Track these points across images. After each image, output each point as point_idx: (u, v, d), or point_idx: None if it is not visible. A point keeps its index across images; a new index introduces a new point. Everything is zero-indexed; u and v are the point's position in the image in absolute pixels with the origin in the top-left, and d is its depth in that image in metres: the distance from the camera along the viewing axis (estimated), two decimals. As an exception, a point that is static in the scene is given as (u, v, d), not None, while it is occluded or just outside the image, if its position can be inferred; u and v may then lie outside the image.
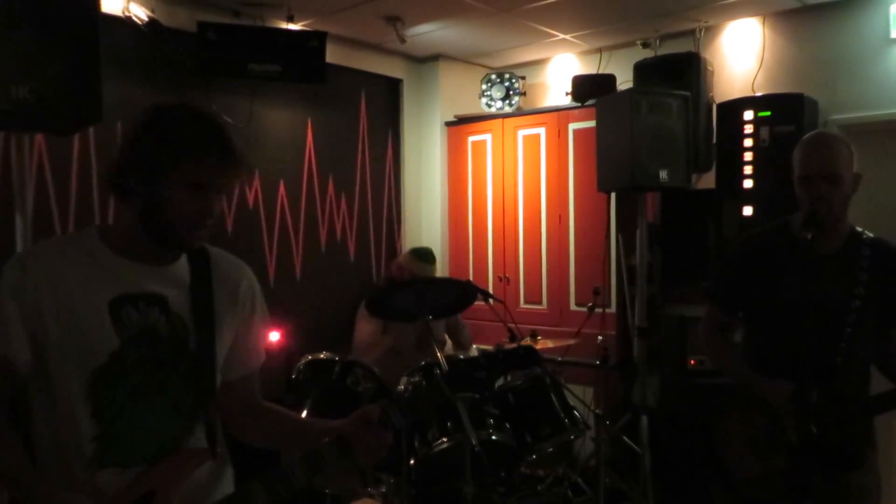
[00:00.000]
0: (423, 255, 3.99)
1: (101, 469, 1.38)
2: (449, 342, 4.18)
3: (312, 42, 3.99)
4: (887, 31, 3.82)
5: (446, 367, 2.75)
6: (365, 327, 3.89)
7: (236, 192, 4.19)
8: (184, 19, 3.83)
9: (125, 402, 1.39)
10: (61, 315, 1.36)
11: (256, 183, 4.30)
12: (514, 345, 3.46)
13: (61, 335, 1.36)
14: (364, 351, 3.83)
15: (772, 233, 2.26)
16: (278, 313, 4.20)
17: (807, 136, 2.23)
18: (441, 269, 5.07)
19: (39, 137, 3.36)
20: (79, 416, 1.37)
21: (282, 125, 4.46)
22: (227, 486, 1.54)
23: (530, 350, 2.07)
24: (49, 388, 1.39)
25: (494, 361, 1.30)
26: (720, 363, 2.31)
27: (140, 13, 3.53)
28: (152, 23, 3.55)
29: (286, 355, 3.84)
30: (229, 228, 4.16)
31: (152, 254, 1.45)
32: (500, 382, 3.18)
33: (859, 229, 2.19)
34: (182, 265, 1.50)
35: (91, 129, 3.45)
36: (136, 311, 1.41)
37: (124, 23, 3.52)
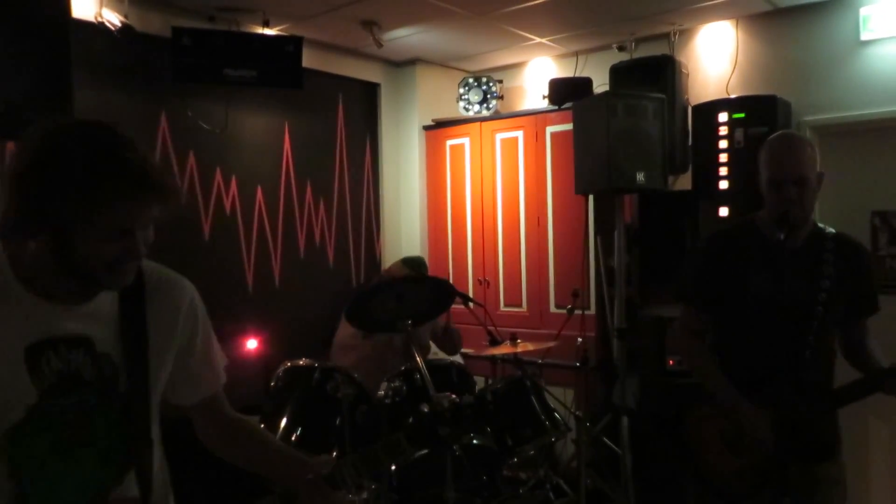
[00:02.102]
0: (414, 265, 3.97)
1: None
2: (433, 347, 4.16)
3: (288, 47, 3.97)
4: (857, 34, 3.88)
5: (428, 378, 2.73)
6: (345, 329, 3.87)
7: (213, 198, 4.16)
8: (158, 25, 3.79)
9: (45, 458, 1.25)
10: None
11: (234, 189, 4.26)
12: (505, 346, 3.44)
13: None
14: (341, 353, 3.81)
15: (738, 230, 2.30)
16: (257, 320, 4.17)
17: (772, 137, 2.26)
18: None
19: (10, 145, 3.31)
20: None
21: (258, 131, 4.44)
22: None
23: (513, 390, 1.98)
24: None
25: (460, 418, 1.25)
26: (696, 370, 2.32)
27: (113, 18, 3.49)
28: (125, 28, 3.51)
29: (265, 362, 3.82)
30: (206, 235, 4.12)
31: (71, 291, 1.27)
32: (479, 386, 3.17)
33: (821, 225, 2.24)
34: (108, 297, 1.32)
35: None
36: (56, 358, 1.25)
37: (97, 28, 3.47)
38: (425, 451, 2.77)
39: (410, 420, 1.49)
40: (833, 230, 2.22)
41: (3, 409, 1.22)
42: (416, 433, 1.45)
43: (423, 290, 3.22)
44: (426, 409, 1.42)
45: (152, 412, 1.38)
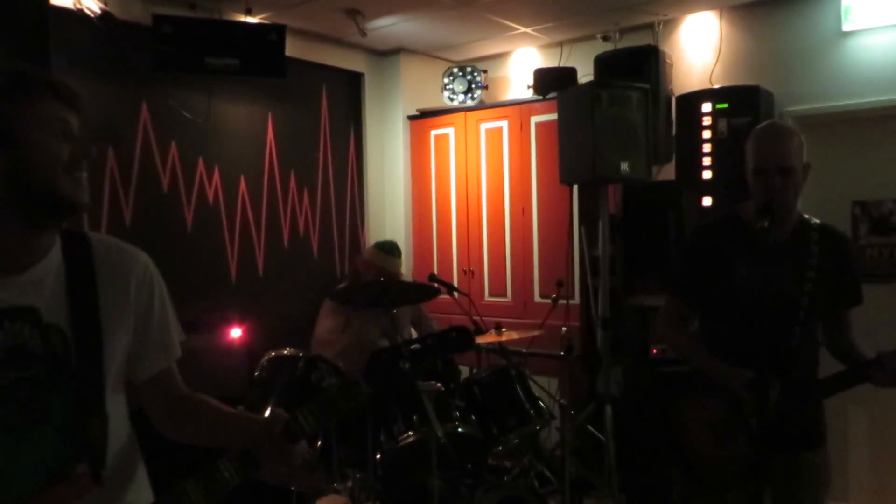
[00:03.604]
0: (388, 249, 3.97)
1: None
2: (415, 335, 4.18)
3: (271, 35, 3.93)
4: (839, 25, 3.91)
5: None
6: (326, 322, 3.86)
7: (195, 188, 4.13)
8: (138, 12, 3.75)
9: None
10: None
11: (216, 179, 4.23)
12: (490, 336, 3.45)
13: None
14: (321, 346, 3.80)
15: (723, 223, 2.31)
16: (241, 310, 4.16)
17: (759, 127, 2.27)
18: (405, 264, 5.06)
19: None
20: None
21: (241, 120, 4.40)
22: None
23: (463, 331, 2.01)
24: None
25: (422, 349, 1.21)
26: (680, 351, 2.34)
27: (92, 6, 3.44)
28: (105, 16, 3.47)
29: (249, 352, 3.80)
30: (189, 226, 4.09)
31: (11, 257, 1.23)
32: (465, 375, 3.18)
33: (807, 216, 2.25)
34: (53, 262, 1.27)
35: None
36: (0, 332, 1.20)
37: (76, 16, 3.43)
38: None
39: (369, 359, 1.41)
40: (818, 221, 2.23)
41: None
42: (375, 371, 1.38)
43: (409, 289, 3.23)
44: (385, 344, 1.37)
45: (106, 383, 1.30)
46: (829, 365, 2.18)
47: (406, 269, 5.00)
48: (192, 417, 1.45)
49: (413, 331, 4.12)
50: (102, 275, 1.31)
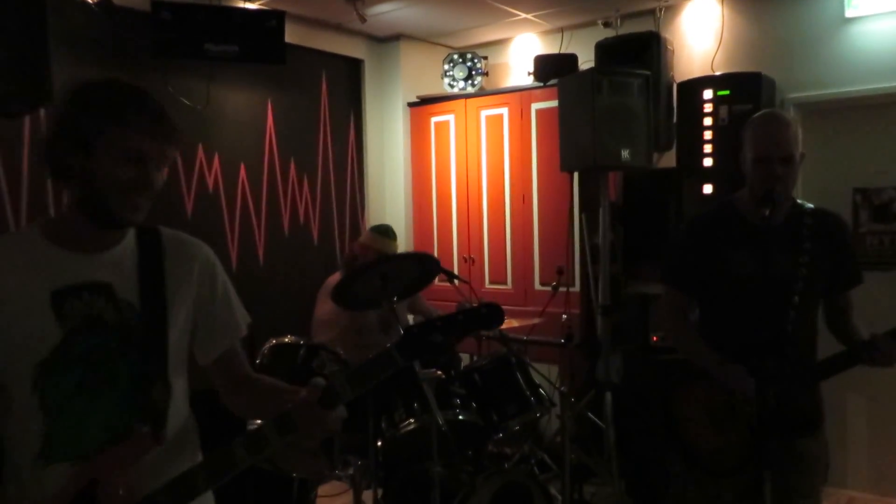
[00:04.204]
0: (384, 231, 3.96)
1: (49, 465, 1.36)
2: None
3: (270, 22, 3.91)
4: (842, 11, 3.88)
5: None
6: (324, 306, 3.86)
7: (195, 175, 4.12)
8: (137, -2, 3.73)
9: (71, 394, 1.36)
10: (2, 312, 1.34)
11: (216, 166, 4.23)
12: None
13: (3, 332, 1.34)
14: (321, 328, 3.81)
15: (717, 213, 2.32)
16: (241, 298, 4.15)
17: (757, 115, 2.27)
18: (405, 251, 5.05)
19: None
20: (26, 411, 1.35)
21: (241, 107, 4.39)
22: (185, 468, 1.47)
23: (493, 308, 1.94)
24: (2, 388, 1.37)
25: (453, 324, 1.22)
26: (681, 346, 2.34)
27: (91, -8, 3.43)
28: (104, 2, 3.45)
29: (250, 340, 3.80)
30: (189, 213, 4.09)
31: (93, 240, 1.42)
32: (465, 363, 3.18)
33: (800, 201, 2.26)
34: (128, 248, 1.46)
35: (43, 112, 3.34)
36: (79, 302, 1.37)
37: (74, 3, 3.41)
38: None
39: (402, 334, 1.46)
40: (811, 206, 2.25)
41: (32, 348, 1.34)
42: (408, 344, 1.42)
43: (407, 266, 3.21)
44: (417, 320, 1.39)
45: (169, 354, 1.45)
46: (828, 350, 2.19)
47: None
48: (254, 394, 1.60)
49: (410, 317, 4.12)
50: (170, 261, 1.49)
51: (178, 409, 1.50)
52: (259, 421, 1.48)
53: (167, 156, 1.41)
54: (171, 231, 1.56)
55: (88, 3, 3.42)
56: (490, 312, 1.53)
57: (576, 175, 4.20)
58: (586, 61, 4.38)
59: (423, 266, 3.19)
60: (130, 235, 1.48)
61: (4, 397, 1.38)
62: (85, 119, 1.34)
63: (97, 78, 1.41)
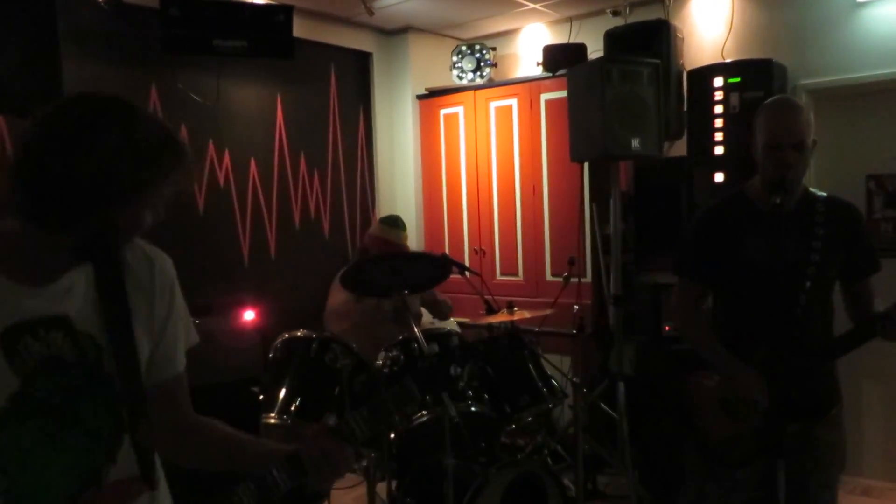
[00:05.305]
0: (392, 222, 3.97)
1: None
2: (426, 315, 4.18)
3: (278, 16, 3.91)
4: (854, -5, 3.84)
5: (426, 347, 2.73)
6: (338, 296, 3.87)
7: (206, 171, 4.13)
8: (145, -5, 3.74)
9: (32, 446, 1.20)
10: None
11: (227, 161, 4.24)
12: (502, 315, 3.45)
13: None
14: (334, 319, 3.82)
15: (728, 202, 2.31)
16: (254, 292, 4.18)
17: (769, 102, 2.26)
18: (417, 244, 5.06)
19: (0, 119, 3.28)
20: None
21: (251, 102, 4.40)
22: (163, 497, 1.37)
23: (513, 336, 1.93)
24: None
25: (473, 354, 1.21)
26: (693, 342, 2.33)
27: (100, -11, 3.44)
28: (113, 0, 3.46)
29: (262, 334, 3.83)
30: (201, 208, 4.11)
31: (43, 266, 1.20)
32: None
33: (812, 189, 2.24)
34: (82, 271, 1.25)
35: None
36: (34, 341, 1.18)
37: (83, 0, 3.42)
38: (426, 415, 2.80)
39: (418, 365, 1.43)
40: (824, 193, 2.23)
41: None
42: (425, 377, 1.41)
43: (421, 265, 3.22)
44: (435, 351, 1.37)
45: (142, 386, 1.29)
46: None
47: (417, 249, 5.00)
48: (194, 444, 1.41)
49: (423, 311, 4.13)
50: (131, 279, 1.30)
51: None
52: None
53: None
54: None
55: (97, 1, 3.43)
56: (510, 342, 1.48)
57: (586, 165, 4.18)
58: (595, 50, 4.35)
59: (438, 267, 3.20)
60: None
61: None
62: (102, 187, 1.11)
63: (70, 101, 1.16)
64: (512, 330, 3.52)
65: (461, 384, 2.89)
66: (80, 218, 1.13)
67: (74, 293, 1.23)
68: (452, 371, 1.35)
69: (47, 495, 1.21)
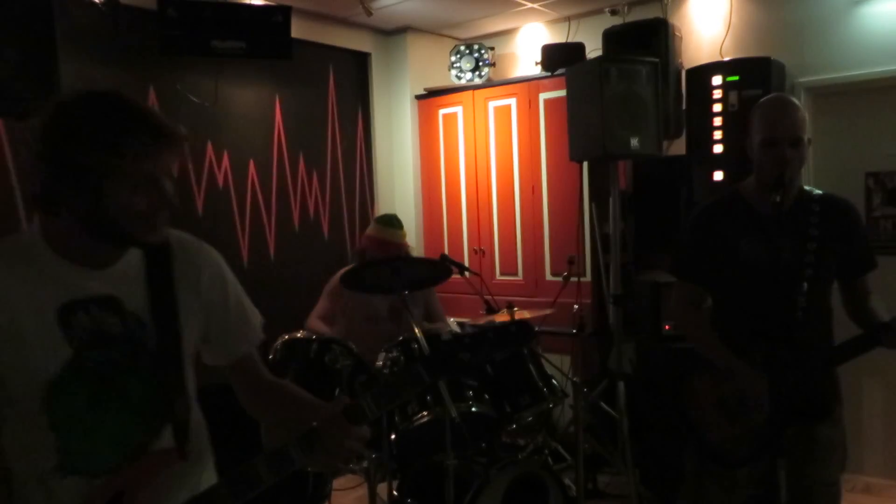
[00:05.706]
0: (388, 221, 3.93)
1: (67, 477, 1.33)
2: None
3: (277, 17, 3.91)
4: (852, -7, 3.84)
5: (426, 347, 2.72)
6: (322, 304, 3.82)
7: (205, 172, 4.13)
8: (143, -4, 3.74)
9: (82, 411, 1.33)
10: (8, 330, 1.28)
11: (226, 162, 4.24)
12: (502, 315, 3.45)
13: (10, 351, 1.28)
14: (318, 326, 3.75)
15: (723, 202, 2.30)
16: (253, 294, 4.17)
17: (765, 100, 2.25)
18: (416, 244, 5.06)
19: (-2, 121, 3.28)
20: (37, 430, 1.32)
21: (249, 103, 4.39)
22: (205, 484, 1.46)
23: (523, 325, 1.86)
24: (8, 402, 1.33)
25: (482, 342, 1.21)
26: (694, 341, 2.33)
27: (97, -9, 3.43)
28: (110, 1, 3.45)
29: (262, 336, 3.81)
30: (200, 210, 4.11)
31: (100, 253, 1.35)
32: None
33: (807, 187, 2.24)
34: (134, 258, 1.40)
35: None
36: (87, 317, 1.33)
37: (81, 2, 3.42)
38: (427, 419, 2.80)
39: (429, 350, 1.46)
40: (819, 191, 2.23)
41: (42, 365, 1.30)
42: (435, 362, 1.42)
43: (420, 268, 3.22)
44: (445, 337, 1.38)
45: (185, 366, 1.43)
46: (845, 335, 2.17)
47: (416, 249, 5.00)
48: (273, 402, 1.58)
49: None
50: (177, 267, 1.45)
51: (195, 418, 1.49)
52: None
53: (175, 160, 1.33)
54: (177, 234, 1.50)
55: (95, 2, 3.43)
56: (520, 330, 1.52)
57: (585, 164, 4.18)
58: (594, 50, 4.35)
59: (436, 269, 3.20)
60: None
61: (7, 414, 1.34)
62: (81, 157, 1.22)
63: (68, 98, 1.28)
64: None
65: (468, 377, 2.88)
66: (70, 195, 1.25)
67: (127, 277, 1.38)
68: (462, 356, 1.36)
69: (96, 459, 1.34)
